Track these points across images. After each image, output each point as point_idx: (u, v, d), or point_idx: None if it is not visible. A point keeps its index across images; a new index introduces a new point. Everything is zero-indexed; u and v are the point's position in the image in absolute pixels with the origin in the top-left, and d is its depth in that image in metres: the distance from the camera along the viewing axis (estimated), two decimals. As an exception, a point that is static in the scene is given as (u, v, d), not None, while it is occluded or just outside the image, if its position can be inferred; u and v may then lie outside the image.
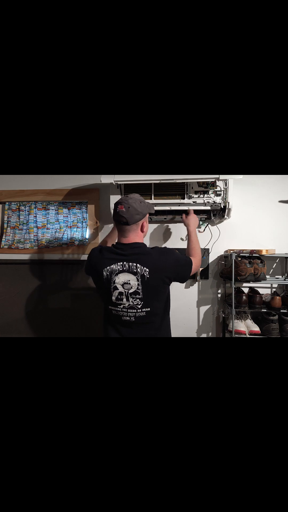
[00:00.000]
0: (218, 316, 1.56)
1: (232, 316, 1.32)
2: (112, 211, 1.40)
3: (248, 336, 1.29)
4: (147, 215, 1.07)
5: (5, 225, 1.70)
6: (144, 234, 1.08)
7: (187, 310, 1.57)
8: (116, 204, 1.03)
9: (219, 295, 1.57)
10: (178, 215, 1.47)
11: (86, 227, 1.66)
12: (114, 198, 1.40)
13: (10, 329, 1.70)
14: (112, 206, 1.41)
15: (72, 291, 1.66)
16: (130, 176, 1.27)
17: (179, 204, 1.38)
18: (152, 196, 1.38)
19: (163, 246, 1.57)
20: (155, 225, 1.59)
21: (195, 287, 1.58)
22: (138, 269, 0.97)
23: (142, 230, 1.05)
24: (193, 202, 1.37)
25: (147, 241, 1.58)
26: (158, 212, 1.45)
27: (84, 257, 1.64)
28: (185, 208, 1.38)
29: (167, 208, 1.38)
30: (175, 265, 1.01)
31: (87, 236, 1.65)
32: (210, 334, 1.58)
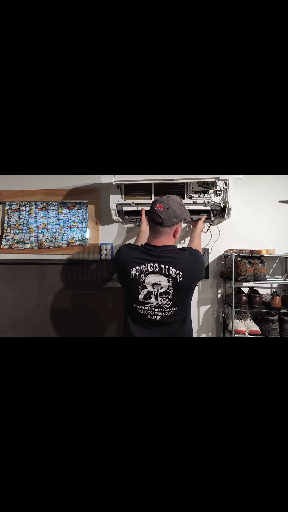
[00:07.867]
0: (218, 316, 1.56)
1: (232, 316, 1.32)
2: (112, 211, 1.41)
3: (248, 336, 1.29)
4: (182, 221, 1.03)
5: (5, 225, 1.70)
6: (175, 240, 1.05)
7: (187, 310, 1.57)
8: (154, 202, 0.99)
9: (219, 295, 1.57)
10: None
11: (86, 227, 1.66)
12: (114, 198, 1.40)
13: (10, 329, 1.70)
14: (112, 206, 1.41)
15: (72, 291, 1.66)
16: (130, 176, 1.27)
17: (179, 204, 1.38)
18: (152, 196, 1.38)
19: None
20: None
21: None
22: (171, 272, 0.95)
23: (174, 236, 1.02)
24: (193, 202, 1.37)
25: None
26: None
27: (84, 257, 1.65)
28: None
29: (167, 208, 1.38)
30: (202, 268, 1.03)
31: (87, 236, 1.65)
32: (210, 334, 1.58)
